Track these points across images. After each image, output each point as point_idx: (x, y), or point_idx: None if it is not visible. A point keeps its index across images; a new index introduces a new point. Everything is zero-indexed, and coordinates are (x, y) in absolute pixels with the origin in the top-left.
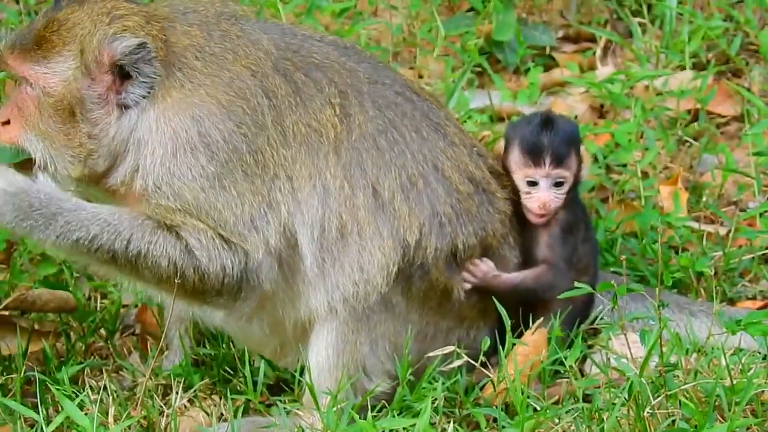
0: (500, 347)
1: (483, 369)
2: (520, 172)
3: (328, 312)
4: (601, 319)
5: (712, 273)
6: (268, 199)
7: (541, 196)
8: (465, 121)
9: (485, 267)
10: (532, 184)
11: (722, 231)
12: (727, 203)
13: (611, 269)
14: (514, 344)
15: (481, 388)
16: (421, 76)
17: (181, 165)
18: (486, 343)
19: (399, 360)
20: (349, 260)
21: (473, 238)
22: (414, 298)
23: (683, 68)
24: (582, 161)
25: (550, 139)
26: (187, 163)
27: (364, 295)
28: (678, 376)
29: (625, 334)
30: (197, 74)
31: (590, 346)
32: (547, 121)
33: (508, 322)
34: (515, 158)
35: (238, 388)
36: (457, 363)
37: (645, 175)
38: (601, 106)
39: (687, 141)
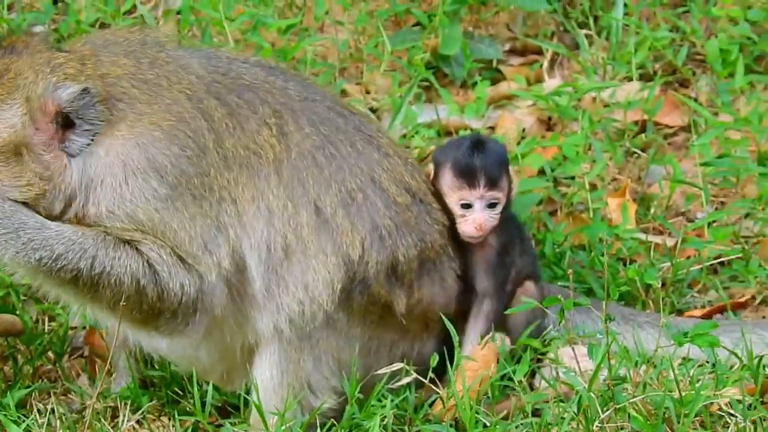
0: (449, 363)
1: (432, 385)
2: (455, 195)
3: (273, 333)
4: (548, 332)
5: (660, 284)
6: (216, 222)
7: (477, 218)
8: (413, 136)
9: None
10: (467, 206)
11: (670, 242)
12: (675, 214)
13: (560, 283)
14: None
15: (431, 405)
16: (368, 92)
17: (132, 190)
18: (434, 359)
19: (345, 375)
20: (294, 280)
21: (413, 249)
22: (356, 313)
23: (630, 79)
24: (511, 181)
25: (483, 161)
26: (139, 187)
27: (309, 314)
28: (627, 389)
29: (573, 348)
30: (137, 103)
31: (540, 360)
32: (478, 143)
33: (456, 338)
34: (448, 182)
35: (187, 409)
36: (406, 380)
37: (593, 187)
38: (549, 118)
39: (635, 152)
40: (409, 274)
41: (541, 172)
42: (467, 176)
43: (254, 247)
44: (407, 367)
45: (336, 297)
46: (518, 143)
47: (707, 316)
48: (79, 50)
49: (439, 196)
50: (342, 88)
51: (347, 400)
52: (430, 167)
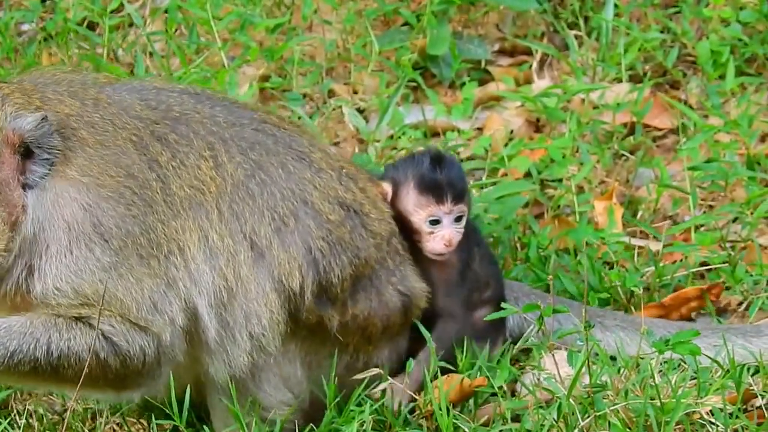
0: (425, 370)
1: (409, 391)
2: (423, 212)
3: (224, 378)
4: (529, 338)
5: (641, 290)
6: (165, 279)
7: (446, 234)
8: (399, 137)
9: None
10: (435, 222)
11: (657, 246)
12: (663, 218)
13: (541, 287)
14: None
15: (410, 412)
16: (356, 92)
17: (77, 260)
18: (410, 365)
19: (289, 389)
20: (239, 327)
21: (348, 268)
22: (288, 335)
23: (620, 81)
24: (470, 194)
25: (447, 175)
26: (84, 258)
27: (259, 360)
28: (608, 396)
29: (553, 354)
30: (86, 147)
31: (521, 366)
32: (438, 157)
33: (431, 345)
34: (413, 200)
35: (166, 412)
36: (381, 386)
37: (580, 190)
38: (537, 120)
39: (623, 155)
40: (342, 294)
41: (528, 174)
42: (434, 192)
43: (203, 294)
44: (383, 372)
45: (280, 333)
46: (506, 145)
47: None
48: (19, 85)
49: (397, 217)
50: (329, 88)
51: (318, 407)
52: (386, 187)
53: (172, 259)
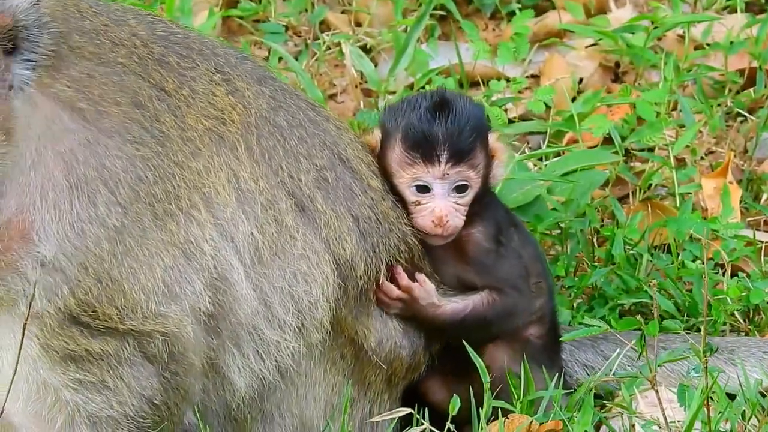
0: (475, 414)
1: None
2: (405, 173)
3: (240, 397)
4: (615, 370)
5: None
6: (186, 246)
7: (436, 207)
8: (423, 87)
9: (423, 290)
10: (423, 190)
11: None
12: None
13: (631, 298)
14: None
15: None
16: (359, 24)
17: (80, 220)
18: (455, 404)
19: None
20: (281, 296)
21: (396, 255)
22: (319, 350)
23: (734, 11)
24: (494, 156)
25: (447, 127)
26: (87, 216)
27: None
28: None
29: (656, 391)
30: (82, 59)
31: (603, 408)
32: (442, 102)
33: (486, 378)
34: (397, 156)
35: None
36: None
37: (681, 163)
38: (617, 65)
39: (740, 114)
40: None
41: (607, 140)
42: (424, 148)
43: (237, 252)
44: (417, 415)
45: (329, 316)
46: (573, 99)
47: None
48: None
49: (388, 178)
50: (322, 19)
51: None
52: (374, 135)
53: (194, 215)
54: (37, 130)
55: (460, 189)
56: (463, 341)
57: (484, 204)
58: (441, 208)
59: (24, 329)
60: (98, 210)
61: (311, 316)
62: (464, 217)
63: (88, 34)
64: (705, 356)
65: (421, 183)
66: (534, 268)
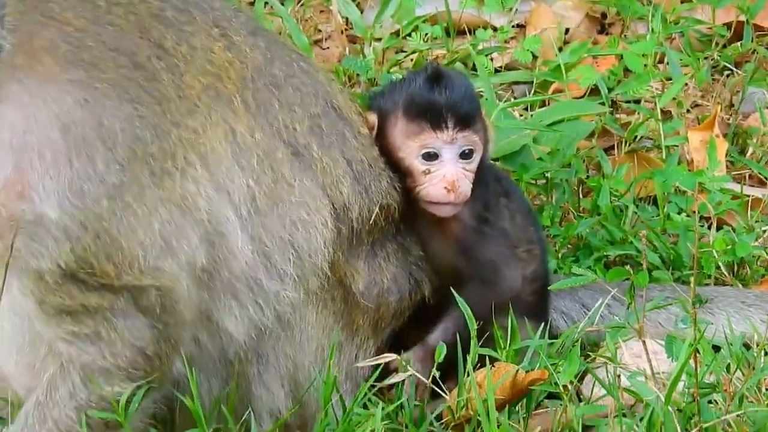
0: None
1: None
2: (413, 143)
3: (238, 343)
4: (598, 320)
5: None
6: (182, 202)
7: (448, 173)
8: (409, 35)
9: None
10: (431, 157)
11: None
12: None
13: (617, 250)
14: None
15: (437, 418)
16: None
17: (80, 173)
18: (441, 351)
19: (291, 389)
20: (280, 245)
21: (386, 198)
22: (312, 295)
23: None
24: (487, 127)
25: (449, 94)
26: (86, 174)
27: (294, 297)
28: (714, 401)
29: (644, 342)
30: (82, 20)
31: (587, 357)
32: (438, 74)
33: (473, 324)
34: (401, 129)
35: None
36: (397, 378)
37: (667, 115)
38: (603, 15)
39: (726, 68)
40: (367, 243)
41: (594, 91)
42: (430, 114)
43: (233, 204)
44: (399, 359)
45: (327, 261)
46: (560, 49)
47: None
48: None
49: (388, 162)
50: None
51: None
52: (370, 118)
53: (190, 172)
54: (32, 91)
55: (467, 155)
56: (451, 288)
57: (479, 175)
58: (452, 173)
59: (4, 278)
60: (97, 168)
61: (312, 263)
62: (471, 185)
63: None
64: (694, 307)
65: (430, 150)
66: (525, 235)
